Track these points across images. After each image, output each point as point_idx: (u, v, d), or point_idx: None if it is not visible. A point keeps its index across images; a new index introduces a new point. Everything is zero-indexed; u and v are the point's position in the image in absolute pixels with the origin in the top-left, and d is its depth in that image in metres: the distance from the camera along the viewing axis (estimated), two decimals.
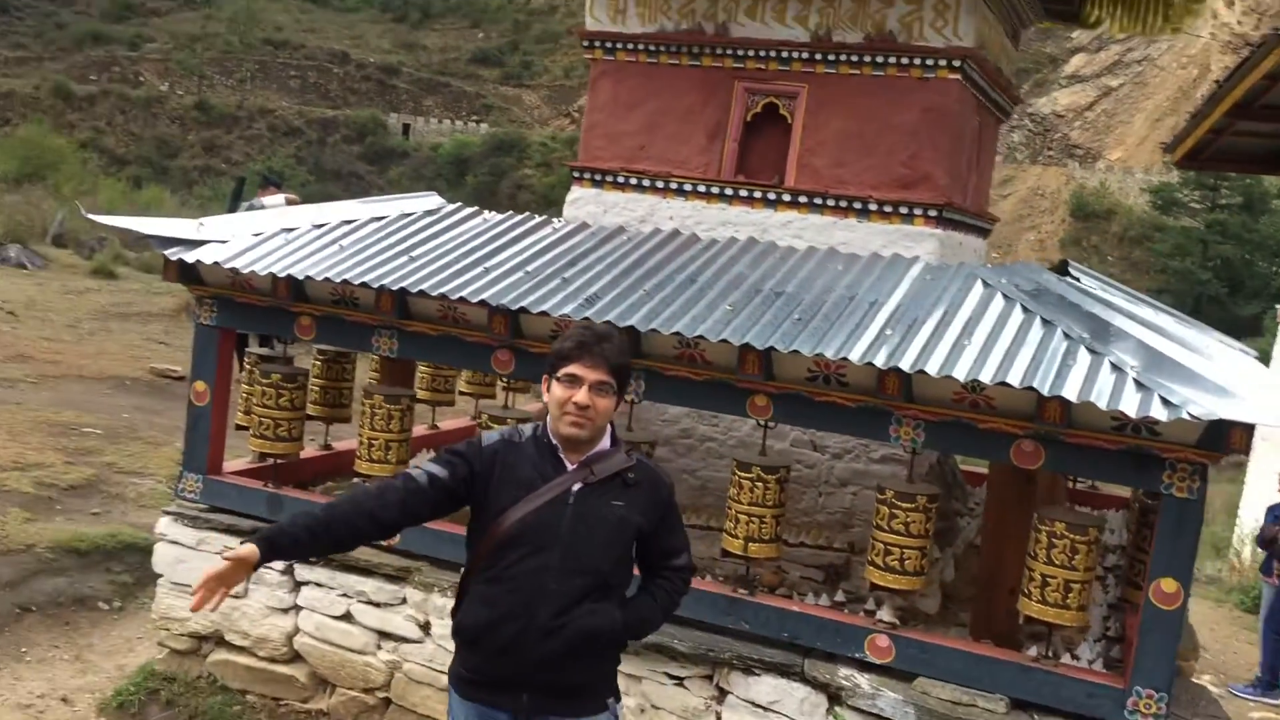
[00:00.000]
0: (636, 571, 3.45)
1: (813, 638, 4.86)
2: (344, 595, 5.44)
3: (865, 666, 4.78)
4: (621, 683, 4.97)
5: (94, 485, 8.09)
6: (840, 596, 5.33)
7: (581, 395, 3.15)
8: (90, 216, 5.65)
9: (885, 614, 4.85)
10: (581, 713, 3.27)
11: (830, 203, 5.89)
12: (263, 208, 10.63)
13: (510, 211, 6.22)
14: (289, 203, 11.58)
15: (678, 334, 4.64)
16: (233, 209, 13.38)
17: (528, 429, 3.32)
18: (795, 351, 4.48)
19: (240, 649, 5.66)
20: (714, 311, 4.83)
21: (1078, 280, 5.44)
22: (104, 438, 9.23)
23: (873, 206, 5.83)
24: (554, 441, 3.24)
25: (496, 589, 3.18)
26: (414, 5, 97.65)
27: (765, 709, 4.86)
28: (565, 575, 3.15)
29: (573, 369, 3.16)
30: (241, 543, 3.10)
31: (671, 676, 5.01)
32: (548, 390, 3.24)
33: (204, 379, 5.67)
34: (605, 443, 3.28)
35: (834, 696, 4.75)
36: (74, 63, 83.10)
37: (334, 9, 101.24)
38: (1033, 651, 4.69)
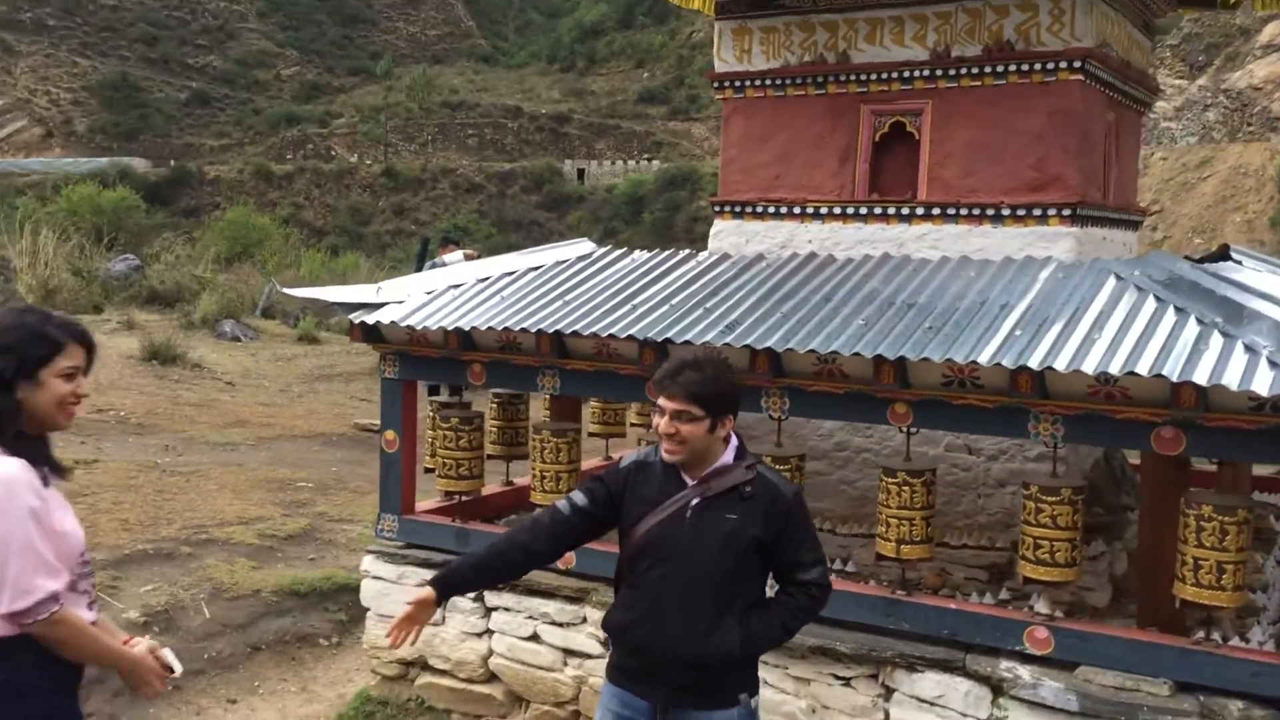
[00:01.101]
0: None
1: (972, 633, 5.01)
2: (530, 618, 5.89)
3: (1026, 658, 4.89)
4: (790, 685, 5.30)
5: (309, 534, 8.83)
6: (1004, 594, 5.46)
7: (664, 424, 3.48)
8: (286, 291, 6.32)
9: (1042, 606, 4.97)
10: (714, 706, 3.56)
11: (963, 212, 6.06)
12: (444, 264, 11.41)
13: (687, 246, 6.61)
14: (467, 257, 12.38)
15: (813, 351, 4.91)
16: (419, 268, 14.32)
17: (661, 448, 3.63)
18: (926, 359, 4.70)
19: (443, 672, 6.17)
20: (849, 327, 5.08)
21: (1239, 264, 5.42)
22: (315, 490, 10.05)
23: (1005, 212, 5.96)
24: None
25: (633, 594, 3.60)
26: (580, 54, 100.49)
27: (931, 703, 5.03)
28: (686, 584, 3.48)
29: (659, 401, 3.51)
30: (419, 584, 3.58)
31: (838, 677, 5.24)
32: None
33: (392, 428, 6.24)
34: (728, 457, 3.57)
35: (997, 688, 4.90)
36: (271, 144, 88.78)
37: (504, 66, 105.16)
38: (1201, 635, 4.73)
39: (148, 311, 19.98)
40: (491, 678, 6.05)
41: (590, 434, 7.67)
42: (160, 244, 31.23)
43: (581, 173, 77.84)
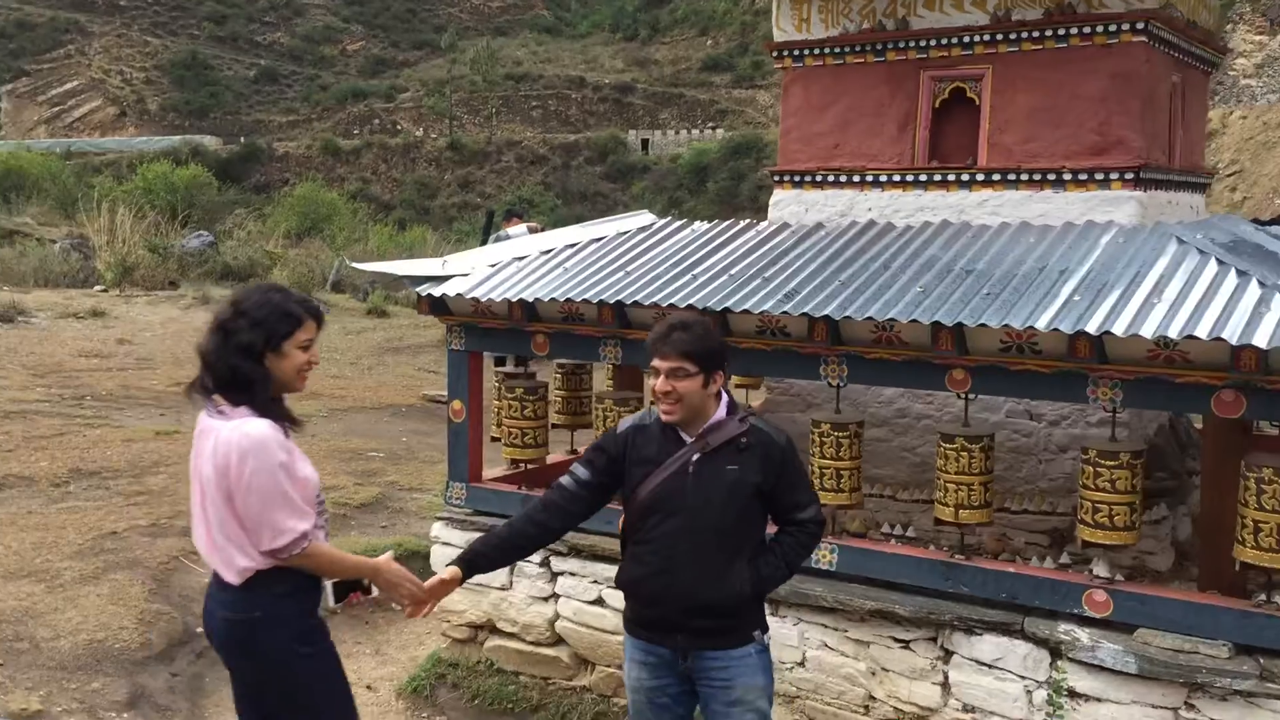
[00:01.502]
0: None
1: (1030, 596, 5.05)
2: (594, 582, 6.02)
3: (1085, 621, 4.93)
4: (850, 647, 5.40)
5: (380, 502, 9.07)
6: (1065, 559, 5.48)
7: (660, 383, 3.69)
8: (354, 265, 6.49)
9: (1100, 569, 4.99)
10: (730, 645, 3.82)
11: (1024, 177, 6.04)
12: (508, 237, 11.56)
13: (752, 215, 6.67)
14: (530, 230, 12.51)
15: (870, 318, 4.96)
16: (484, 240, 14.50)
17: (653, 413, 3.89)
18: (984, 325, 4.72)
19: (510, 635, 6.33)
20: (906, 294, 5.11)
21: None
22: (386, 460, 10.29)
23: (1067, 176, 5.94)
24: None
25: (643, 549, 3.82)
26: (643, 23, 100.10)
27: (990, 666, 5.09)
28: (695, 533, 3.72)
29: (654, 363, 3.73)
30: (447, 565, 3.86)
31: (897, 640, 5.31)
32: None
33: (459, 398, 6.39)
34: (721, 413, 3.78)
35: (1055, 651, 4.94)
36: (339, 120, 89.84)
37: (567, 37, 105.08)
38: (1262, 598, 4.73)
39: (222, 286, 20.45)
40: (558, 641, 6.21)
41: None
42: (232, 220, 31.82)
43: (646, 143, 77.74)
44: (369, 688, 6.55)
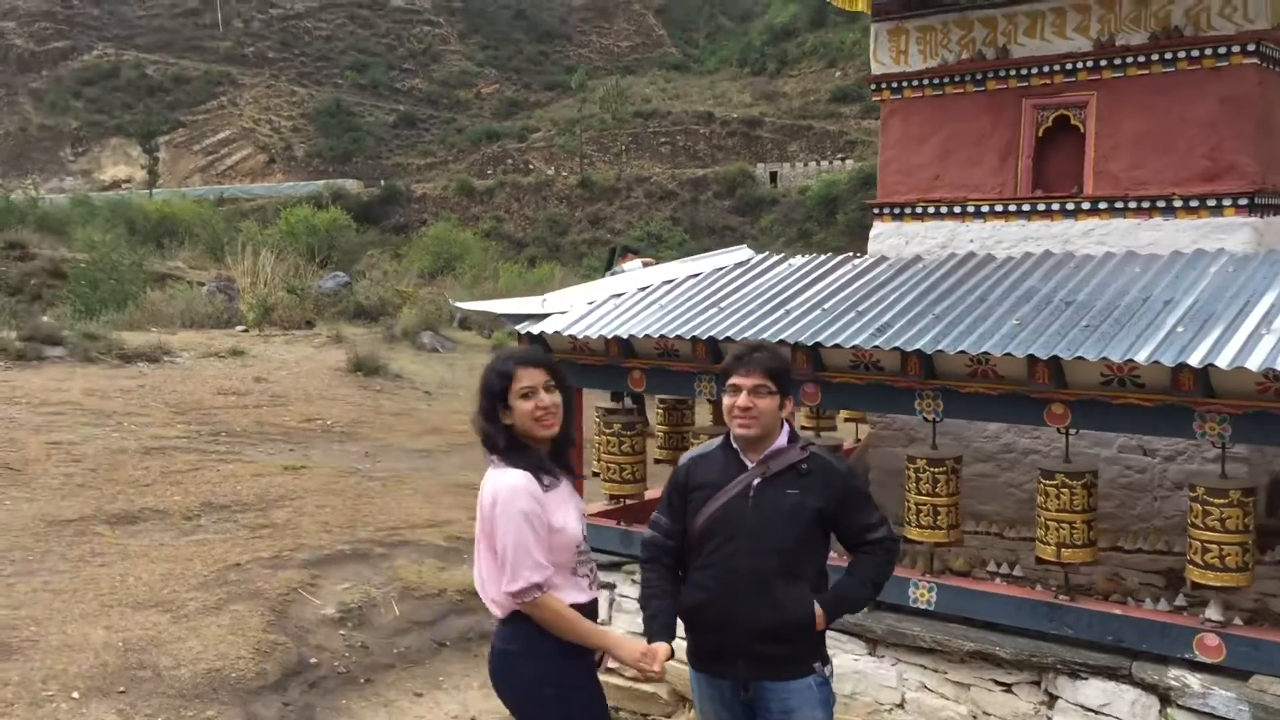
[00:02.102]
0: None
1: (1138, 640, 4.86)
2: None
3: (1196, 666, 4.72)
4: (950, 690, 5.27)
5: None
6: (1181, 600, 5.27)
7: (742, 399, 3.75)
8: (456, 305, 6.65)
9: (1213, 612, 4.78)
10: (791, 676, 3.80)
11: (1132, 205, 5.87)
12: (623, 272, 11.68)
13: None
14: (645, 265, 12.62)
15: (963, 352, 4.87)
16: (606, 275, 14.67)
17: (717, 441, 3.97)
18: (1081, 358, 4.60)
19: (611, 670, 6.32)
20: (1002, 327, 5.01)
21: None
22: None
23: (1177, 204, 5.75)
24: (735, 445, 3.84)
25: (704, 575, 3.83)
26: (770, 56, 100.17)
27: (1096, 712, 4.91)
28: (755, 557, 3.73)
29: (733, 380, 3.80)
30: (655, 642, 3.84)
31: (999, 683, 5.16)
32: (723, 404, 3.87)
33: None
34: (783, 441, 3.84)
35: (1164, 697, 4.74)
36: (473, 161, 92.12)
37: (695, 73, 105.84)
38: None
39: (354, 325, 21.08)
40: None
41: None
42: (366, 261, 32.83)
43: (774, 175, 77.64)
44: (474, 719, 6.65)
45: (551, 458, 3.81)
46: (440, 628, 7.62)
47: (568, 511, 3.74)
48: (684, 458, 4.11)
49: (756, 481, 3.79)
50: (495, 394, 3.72)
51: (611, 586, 6.37)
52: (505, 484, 3.65)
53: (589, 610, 3.86)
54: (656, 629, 3.87)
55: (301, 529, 8.80)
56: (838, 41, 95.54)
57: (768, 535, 3.74)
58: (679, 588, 3.95)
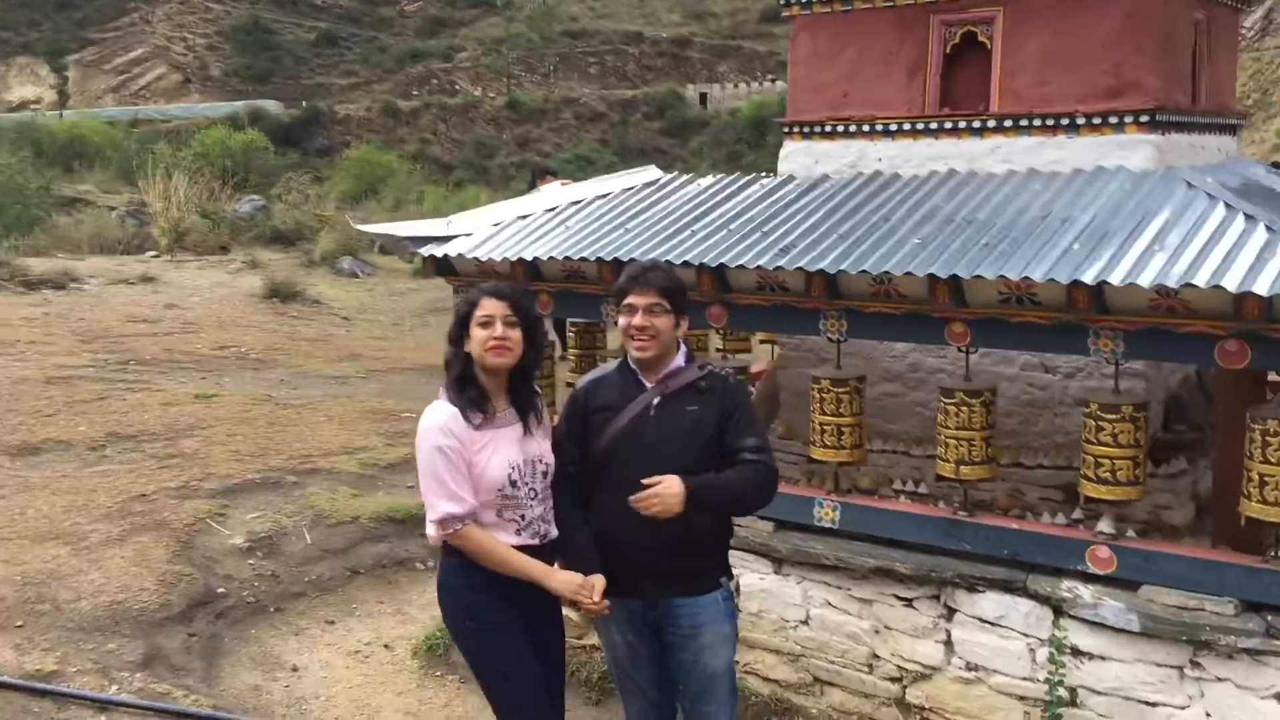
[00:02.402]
0: None
1: (1033, 553, 4.96)
2: None
3: (1088, 578, 4.83)
4: (853, 606, 5.33)
5: (409, 463, 9.07)
6: (1078, 514, 5.36)
7: (638, 319, 3.74)
8: (358, 227, 6.49)
9: (1105, 525, 4.87)
10: (698, 591, 3.84)
11: (1037, 123, 5.84)
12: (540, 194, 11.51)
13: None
14: (563, 186, 12.46)
15: (865, 272, 4.85)
16: None
17: (613, 364, 3.98)
18: (980, 276, 4.60)
19: None
20: (905, 246, 4.99)
21: None
22: (418, 420, 10.34)
23: (1080, 121, 5.73)
24: (633, 366, 3.85)
25: (608, 497, 3.81)
26: None
27: (992, 624, 5.01)
28: (658, 474, 3.65)
29: (629, 299, 3.79)
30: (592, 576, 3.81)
31: (900, 598, 5.25)
32: (615, 324, 3.87)
33: None
34: (680, 360, 3.85)
35: (1057, 609, 4.85)
36: (398, 81, 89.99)
37: None
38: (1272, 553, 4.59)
39: (271, 251, 20.68)
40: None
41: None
42: (282, 184, 32.11)
43: (704, 97, 76.92)
44: (386, 646, 6.62)
45: (508, 391, 3.85)
46: (353, 555, 7.56)
47: (495, 452, 3.74)
48: (580, 381, 4.09)
49: (656, 401, 3.80)
50: (460, 319, 3.81)
51: None
52: (426, 419, 3.78)
53: (529, 555, 3.81)
54: (586, 561, 3.84)
55: (211, 458, 8.65)
56: None
57: (669, 452, 3.74)
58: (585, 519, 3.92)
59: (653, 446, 3.75)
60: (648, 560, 3.79)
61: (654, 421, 3.79)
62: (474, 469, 3.72)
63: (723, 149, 65.35)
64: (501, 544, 3.76)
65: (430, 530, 3.83)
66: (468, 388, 3.77)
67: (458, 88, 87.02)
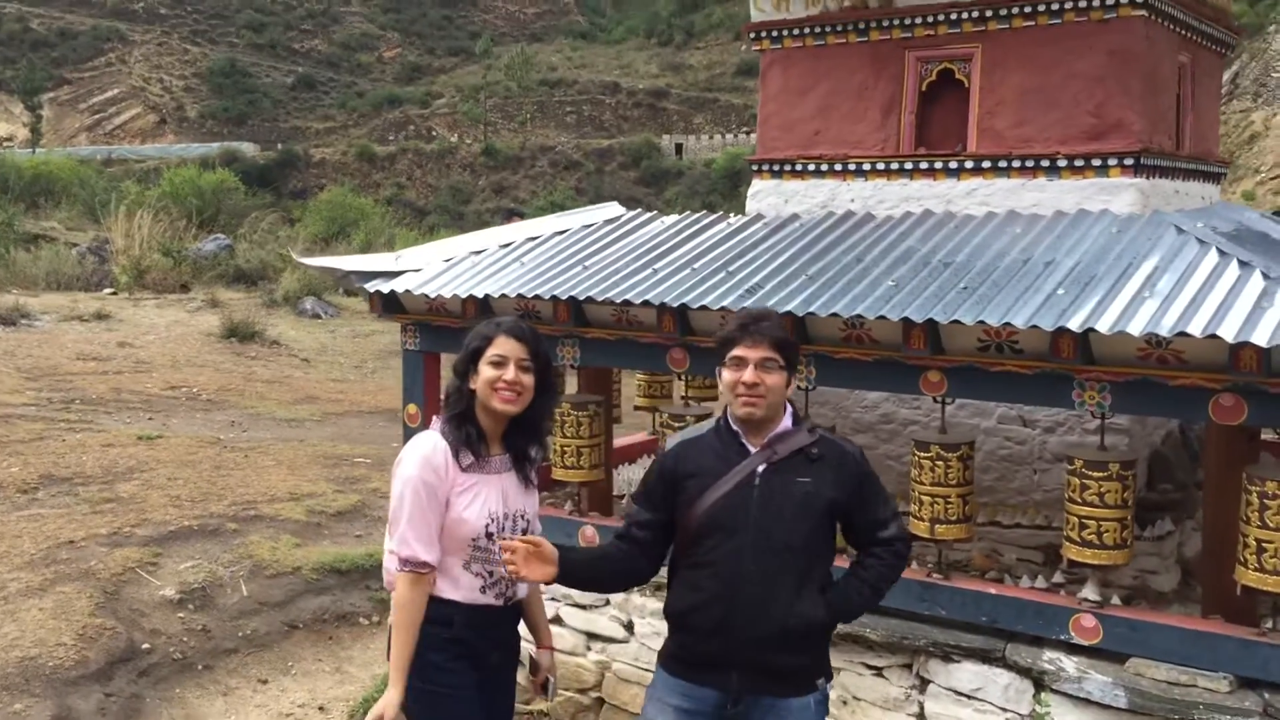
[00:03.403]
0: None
1: (1013, 620, 4.61)
2: (552, 599, 5.63)
3: (1072, 648, 4.48)
4: None
5: (359, 510, 8.71)
6: (1059, 578, 5.03)
7: (749, 374, 3.26)
8: (300, 260, 6.13)
9: (1090, 592, 4.54)
10: (792, 693, 3.35)
11: (1016, 164, 5.58)
12: None
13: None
14: None
15: (836, 315, 4.54)
16: None
17: (708, 424, 3.48)
18: (958, 321, 4.29)
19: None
20: (878, 289, 4.69)
21: None
22: (372, 466, 9.94)
23: (1062, 163, 5.48)
24: (735, 428, 3.36)
25: (699, 574, 3.34)
26: (677, 28, 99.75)
27: (969, 696, 4.66)
28: (761, 554, 3.27)
29: (737, 351, 3.29)
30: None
31: (869, 667, 4.88)
32: (720, 379, 3.37)
33: (414, 401, 6.01)
34: (787, 422, 3.37)
35: (1038, 681, 4.49)
36: (375, 126, 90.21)
37: (602, 43, 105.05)
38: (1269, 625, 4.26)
39: (234, 290, 20.25)
40: None
41: (636, 408, 7.38)
42: (250, 223, 31.70)
43: (680, 147, 77.30)
44: (320, 709, 6.20)
45: (505, 438, 3.54)
46: (292, 608, 7.14)
47: (476, 498, 3.45)
48: (670, 442, 3.56)
49: (762, 468, 3.32)
50: (470, 353, 3.51)
51: None
52: (413, 445, 3.51)
53: (492, 616, 3.51)
54: (579, 568, 3.45)
55: (148, 503, 8.22)
56: (744, 14, 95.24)
57: (775, 529, 3.28)
58: (622, 564, 3.47)
59: (758, 522, 3.28)
60: (743, 650, 3.29)
61: (759, 492, 3.30)
62: (451, 510, 3.43)
63: (697, 198, 65.43)
64: (414, 627, 3.41)
65: (389, 563, 3.50)
66: (465, 425, 3.48)
67: (434, 134, 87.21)
